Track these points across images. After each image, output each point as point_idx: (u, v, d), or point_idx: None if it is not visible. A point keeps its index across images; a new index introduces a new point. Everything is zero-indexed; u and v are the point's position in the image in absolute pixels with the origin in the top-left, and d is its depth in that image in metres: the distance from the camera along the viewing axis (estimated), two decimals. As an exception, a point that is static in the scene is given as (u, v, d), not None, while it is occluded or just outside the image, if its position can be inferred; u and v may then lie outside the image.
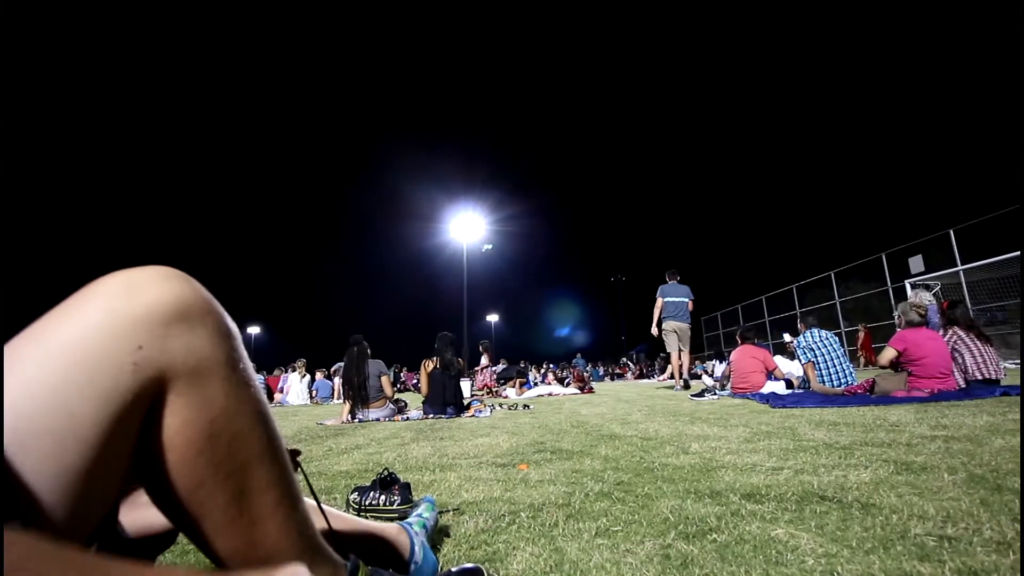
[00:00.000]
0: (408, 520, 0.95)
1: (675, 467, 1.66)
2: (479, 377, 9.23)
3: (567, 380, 9.85)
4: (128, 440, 0.43)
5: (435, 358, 4.85)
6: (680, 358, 7.07)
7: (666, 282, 7.33)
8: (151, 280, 0.46)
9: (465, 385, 8.72)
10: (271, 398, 9.48)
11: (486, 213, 22.88)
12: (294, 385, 9.36)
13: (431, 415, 4.53)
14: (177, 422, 0.46)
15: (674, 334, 7.06)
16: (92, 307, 0.44)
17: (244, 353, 0.53)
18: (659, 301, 7.21)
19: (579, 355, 19.59)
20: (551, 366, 11.49)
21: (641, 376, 19.86)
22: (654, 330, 7.31)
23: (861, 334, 12.92)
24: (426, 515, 1.01)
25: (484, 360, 9.32)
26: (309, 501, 0.66)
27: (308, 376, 9.80)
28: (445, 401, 4.63)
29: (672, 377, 7.43)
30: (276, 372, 11.07)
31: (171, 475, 0.46)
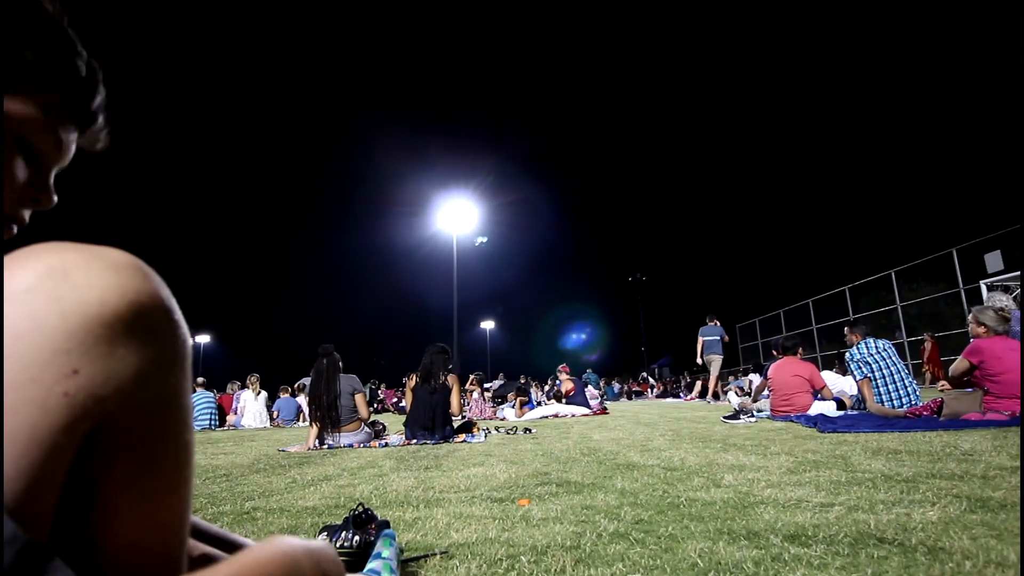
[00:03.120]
0: (372, 567, 0.94)
1: (705, 503, 1.67)
2: (472, 408, 9.34)
3: (551, 393, 9.98)
4: (50, 494, 0.36)
5: (418, 371, 4.86)
6: (715, 381, 11.29)
7: (706, 324, 11.47)
8: (94, 269, 0.38)
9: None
10: (223, 421, 9.46)
11: (480, 200, 22.94)
12: (249, 405, 9.33)
13: (414, 440, 4.53)
14: (116, 477, 0.40)
15: (712, 364, 11.25)
16: (9, 306, 0.35)
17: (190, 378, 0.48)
18: (700, 340, 11.36)
19: (589, 370, 19.61)
20: (557, 382, 11.62)
21: (665, 394, 19.88)
22: (699, 360, 11.37)
23: (927, 345, 12.93)
24: (386, 554, 1.00)
25: (476, 395, 9.52)
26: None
27: (265, 394, 9.77)
28: (425, 424, 4.63)
29: (702, 396, 10.94)
30: (229, 389, 11.03)
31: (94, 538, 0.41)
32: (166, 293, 0.42)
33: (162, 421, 0.42)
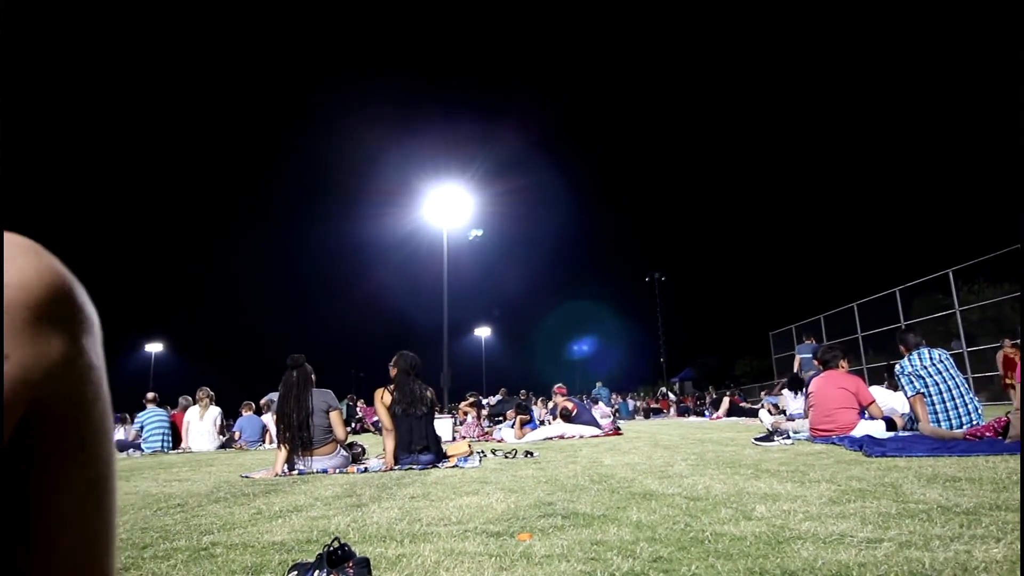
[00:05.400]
0: None
1: (733, 538, 1.67)
2: (465, 427, 9.44)
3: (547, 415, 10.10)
4: None
5: (391, 386, 4.84)
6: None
7: (801, 342, 13.06)
8: (9, 252, 0.40)
9: (446, 424, 8.75)
10: (177, 443, 9.45)
11: (475, 187, 22.95)
12: (193, 424, 9.25)
13: (399, 464, 4.54)
14: (46, 473, 0.42)
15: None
16: None
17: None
18: (797, 358, 12.46)
19: (600, 384, 19.65)
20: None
21: (686, 412, 19.91)
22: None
23: (1009, 353, 12.63)
24: None
25: (470, 418, 9.62)
26: None
27: (217, 411, 9.69)
28: (412, 445, 4.62)
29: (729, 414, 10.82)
30: (182, 404, 11.00)
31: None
32: (71, 276, 0.45)
33: (91, 407, 0.44)
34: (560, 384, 9.84)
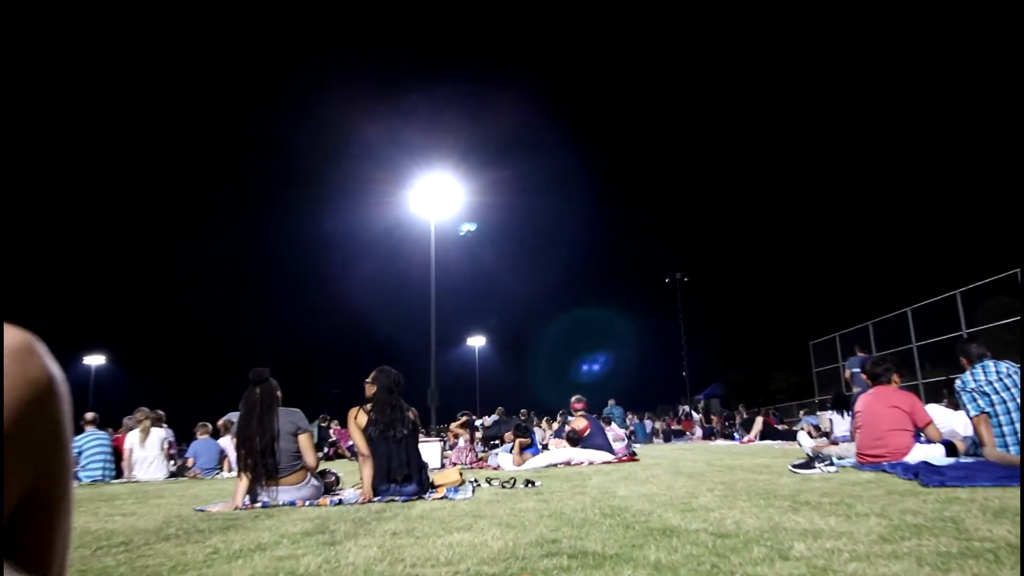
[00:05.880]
0: None
1: (769, 581, 1.66)
2: (456, 452, 9.52)
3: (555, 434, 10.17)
4: None
5: (367, 405, 4.83)
6: None
7: (854, 353, 13.21)
8: (35, 351, 0.57)
9: (434, 449, 8.76)
10: (120, 471, 9.44)
11: (466, 176, 22.97)
12: (136, 450, 9.17)
13: (378, 496, 4.53)
14: (36, 536, 0.56)
15: None
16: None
17: None
18: (847, 371, 12.88)
19: (612, 402, 19.65)
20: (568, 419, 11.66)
21: (713, 434, 19.91)
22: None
23: None
24: None
25: (462, 442, 9.70)
26: None
27: (162, 433, 9.63)
28: (393, 473, 4.62)
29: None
30: (127, 425, 10.97)
31: None
32: (52, 359, 0.60)
33: (67, 466, 0.59)
34: (578, 397, 9.59)
